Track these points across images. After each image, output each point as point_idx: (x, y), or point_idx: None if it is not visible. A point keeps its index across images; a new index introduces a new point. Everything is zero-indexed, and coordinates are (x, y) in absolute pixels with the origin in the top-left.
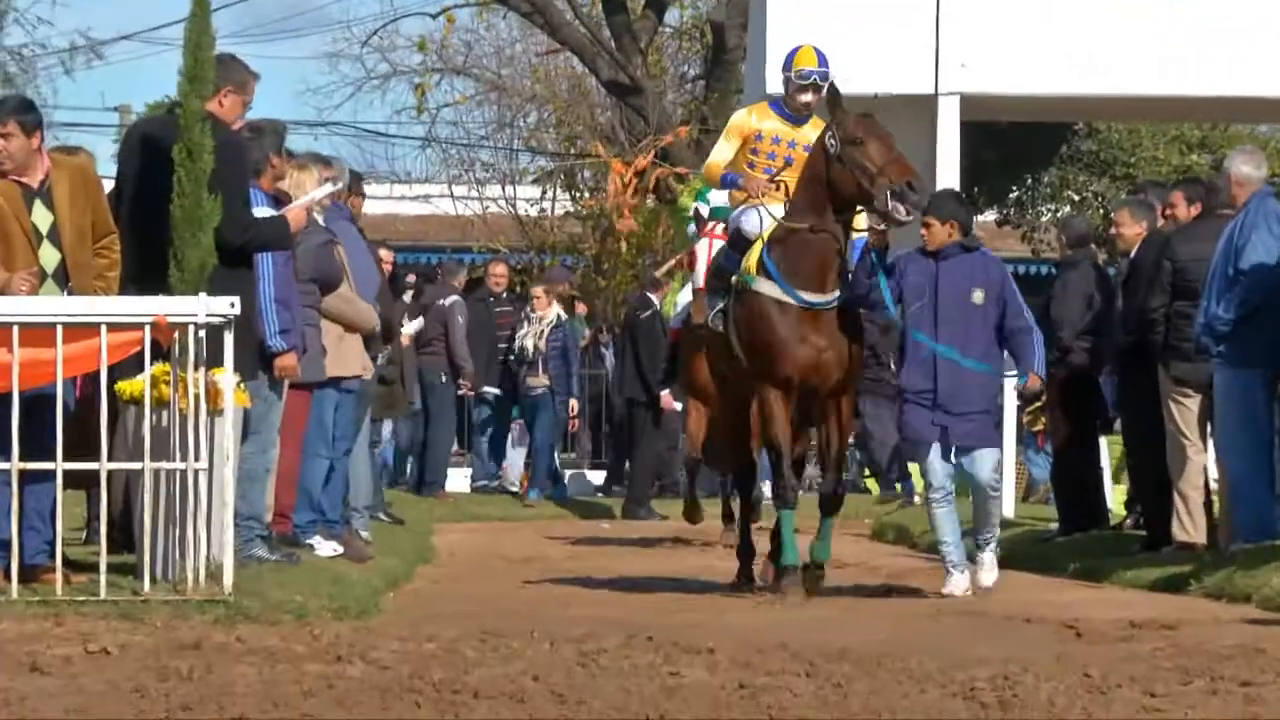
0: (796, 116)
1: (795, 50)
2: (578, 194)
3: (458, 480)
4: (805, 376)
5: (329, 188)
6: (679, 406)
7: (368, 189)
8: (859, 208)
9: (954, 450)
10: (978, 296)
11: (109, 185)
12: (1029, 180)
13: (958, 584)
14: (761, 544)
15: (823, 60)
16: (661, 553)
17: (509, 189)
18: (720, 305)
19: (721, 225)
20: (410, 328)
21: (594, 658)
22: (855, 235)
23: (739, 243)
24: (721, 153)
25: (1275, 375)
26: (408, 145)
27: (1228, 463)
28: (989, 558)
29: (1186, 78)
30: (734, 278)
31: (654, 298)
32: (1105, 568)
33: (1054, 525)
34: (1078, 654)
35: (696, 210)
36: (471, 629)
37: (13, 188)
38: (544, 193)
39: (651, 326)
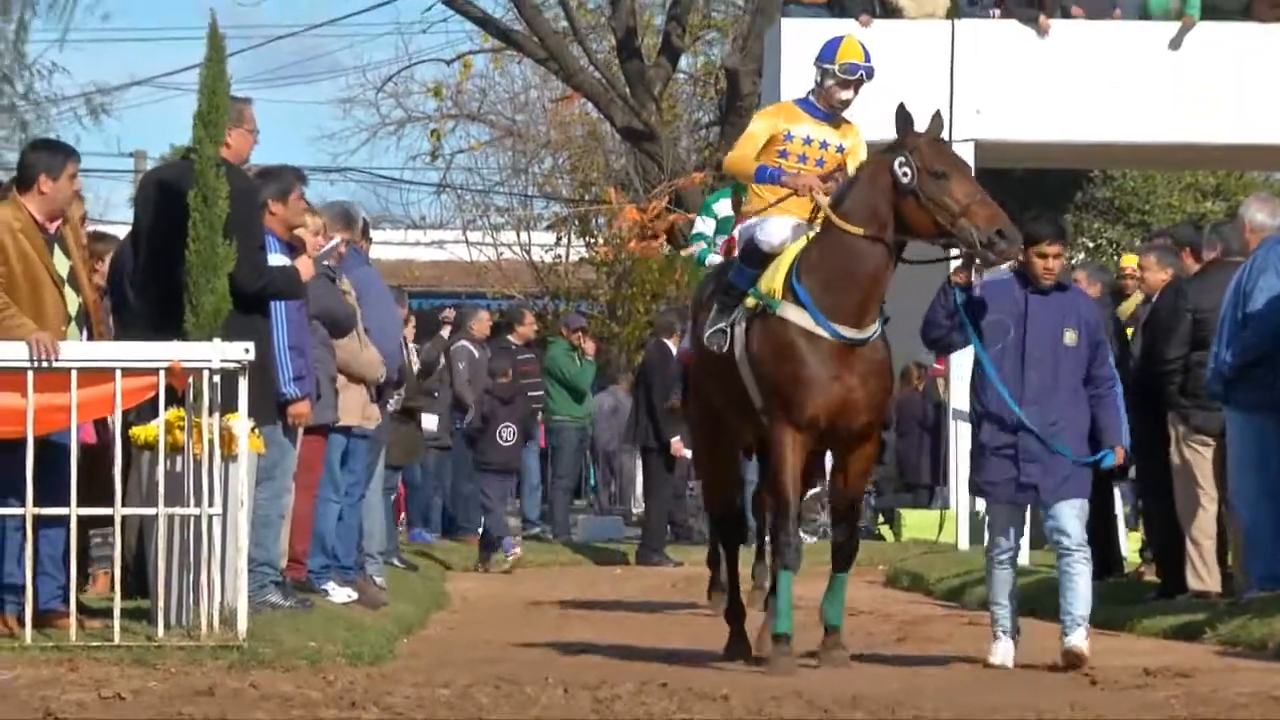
0: (830, 114)
1: (837, 41)
2: (592, 240)
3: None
4: (832, 420)
5: (330, 244)
6: (689, 454)
7: (383, 234)
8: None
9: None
10: (1070, 338)
11: (124, 231)
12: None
13: (1005, 653)
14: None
15: (868, 55)
16: (676, 597)
17: (524, 235)
18: (722, 324)
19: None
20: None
21: (609, 704)
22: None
23: (755, 256)
24: (747, 147)
25: None
26: (422, 191)
27: (1240, 510)
28: (1081, 635)
29: (1201, 125)
30: (749, 298)
31: (669, 344)
32: (1120, 616)
33: None
34: (1093, 702)
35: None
36: (486, 675)
37: (37, 233)
38: (558, 239)
39: (664, 372)
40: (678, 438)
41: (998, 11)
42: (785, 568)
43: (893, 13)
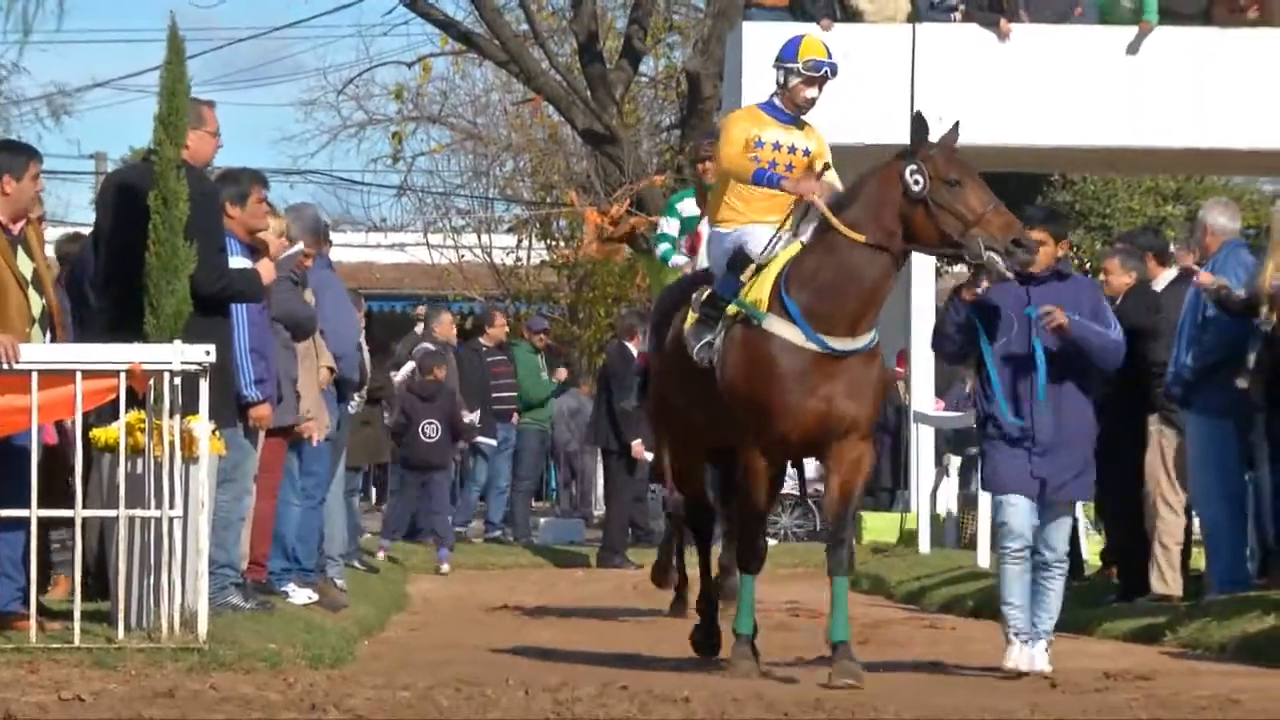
0: (794, 116)
1: (798, 40)
2: (553, 243)
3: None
4: (807, 435)
5: (292, 250)
6: (650, 456)
7: (344, 237)
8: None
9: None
10: None
11: (85, 233)
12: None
13: (1021, 657)
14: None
15: (830, 52)
16: (636, 599)
17: (485, 237)
18: (708, 338)
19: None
20: (402, 372)
21: (569, 706)
22: None
23: (741, 265)
24: (735, 148)
25: (1246, 426)
26: (384, 193)
27: (1202, 513)
28: (1042, 648)
29: (1161, 129)
30: (730, 307)
31: (630, 346)
32: (1080, 618)
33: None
34: (1054, 705)
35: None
36: (446, 677)
37: (0, 235)
38: (519, 241)
39: (626, 374)
40: (638, 440)
41: (958, 15)
42: (749, 572)
43: (853, 16)
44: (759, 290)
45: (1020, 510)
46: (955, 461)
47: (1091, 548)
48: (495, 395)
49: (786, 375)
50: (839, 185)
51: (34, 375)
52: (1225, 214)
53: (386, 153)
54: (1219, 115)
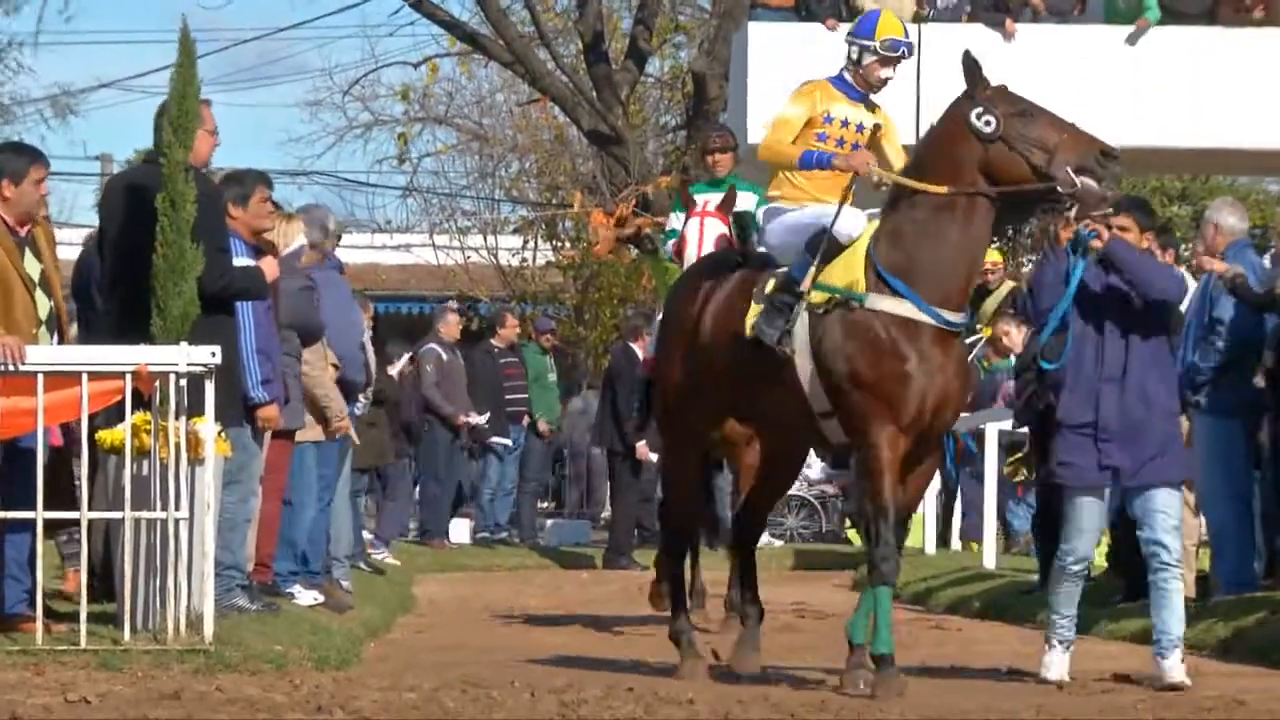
0: (864, 94)
1: (874, 16)
2: (559, 244)
3: (460, 531)
4: (935, 416)
5: (295, 245)
6: (655, 457)
7: (349, 238)
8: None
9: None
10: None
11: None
12: (1010, 230)
13: (1060, 665)
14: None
15: (906, 30)
16: (642, 602)
17: (490, 238)
18: (782, 324)
19: (713, 202)
20: (396, 367)
21: (574, 708)
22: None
23: (816, 245)
24: (783, 133)
25: (1254, 427)
26: (389, 194)
27: (1209, 514)
28: (1177, 658)
29: (1167, 129)
30: (816, 293)
31: (636, 348)
32: (1086, 619)
33: (1035, 577)
34: (1059, 706)
35: (685, 194)
36: (452, 679)
37: (7, 236)
38: (525, 242)
39: (631, 375)
40: (643, 442)
41: (967, 11)
42: (887, 583)
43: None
44: (849, 272)
45: (1089, 513)
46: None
47: (1099, 548)
48: (506, 397)
49: (911, 351)
50: (900, 159)
51: (40, 377)
52: (1234, 214)
53: (392, 154)
54: (1224, 115)
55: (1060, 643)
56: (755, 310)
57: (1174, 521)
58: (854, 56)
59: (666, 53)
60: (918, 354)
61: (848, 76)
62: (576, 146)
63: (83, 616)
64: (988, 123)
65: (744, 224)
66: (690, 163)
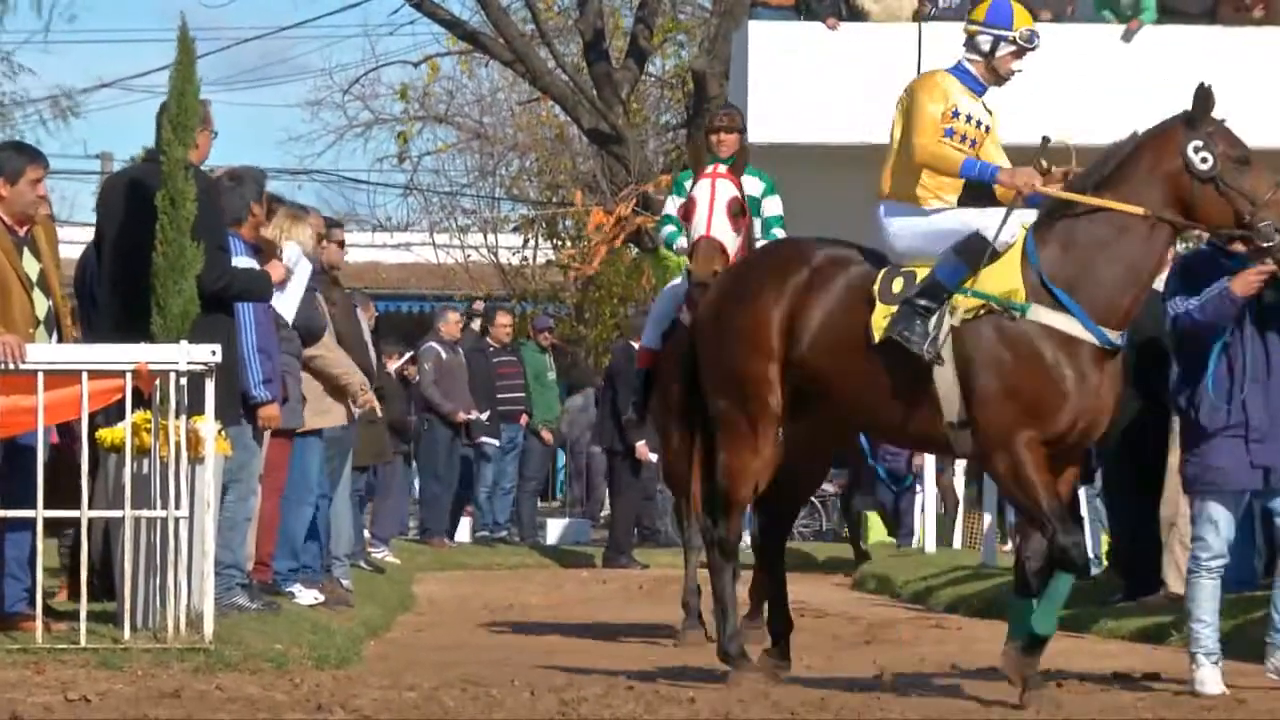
0: (987, 86)
1: (1007, 6)
2: (559, 243)
3: (460, 530)
4: (1084, 434)
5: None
6: (654, 457)
7: (349, 237)
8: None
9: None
10: None
11: (89, 233)
12: None
13: (1213, 680)
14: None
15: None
16: (643, 600)
17: (491, 237)
18: (929, 330)
19: (724, 165)
20: (395, 364)
21: (575, 706)
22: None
23: (974, 252)
24: (936, 132)
25: None
26: (390, 193)
27: None
28: None
29: None
30: (969, 299)
31: (636, 346)
32: (1086, 617)
33: None
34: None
35: (696, 158)
36: (452, 678)
37: (5, 235)
38: (525, 241)
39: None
40: (643, 441)
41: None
42: (1074, 570)
43: (859, 16)
44: (1005, 280)
45: (1229, 513)
46: (961, 461)
47: (1102, 547)
48: (502, 396)
49: (1068, 367)
50: (1001, 158)
51: (40, 375)
52: None
53: (392, 152)
54: (1225, 115)
55: (1207, 655)
56: (885, 312)
57: None
58: (986, 48)
59: (667, 51)
60: (1076, 373)
61: (972, 69)
62: (577, 145)
63: (83, 615)
64: (1204, 160)
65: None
66: (690, 161)
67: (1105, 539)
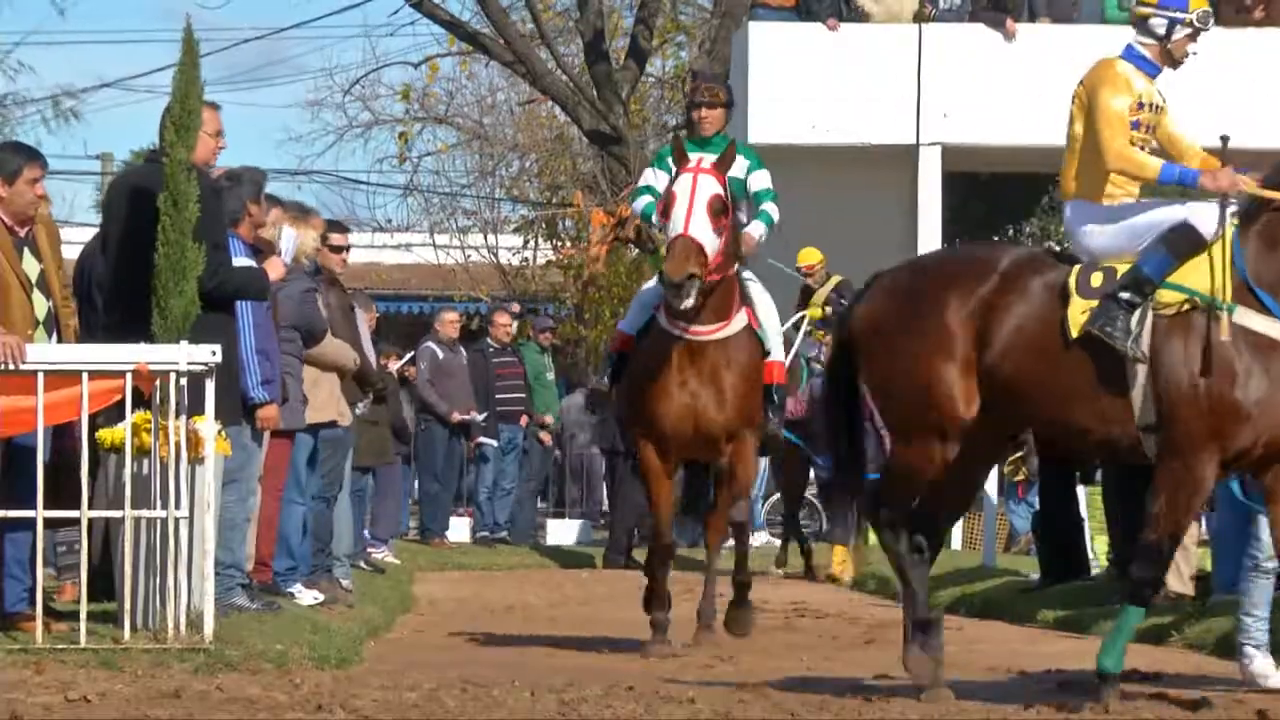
0: (1160, 69)
1: None
2: (559, 243)
3: (460, 530)
4: (1266, 449)
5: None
6: None
7: (350, 237)
8: None
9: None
10: None
11: (90, 234)
12: (1010, 231)
13: (1269, 670)
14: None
15: None
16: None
17: (491, 238)
18: (1132, 325)
19: (709, 159)
20: (394, 365)
21: (575, 707)
22: None
23: (1183, 244)
24: (1123, 130)
25: None
26: (390, 193)
27: (1210, 515)
28: None
29: None
30: (1172, 293)
31: None
32: (1087, 618)
33: (1036, 576)
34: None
35: (679, 148)
36: (452, 678)
37: (5, 236)
38: (526, 242)
39: None
40: None
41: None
42: (1140, 605)
43: (859, 16)
44: (1206, 276)
45: None
46: None
47: (1099, 547)
48: (502, 396)
49: (1269, 379)
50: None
51: (40, 376)
52: None
53: (393, 153)
54: (1224, 115)
55: (1259, 646)
56: (1083, 306)
57: None
58: (1161, 31)
59: (667, 52)
60: (1273, 380)
61: (1146, 53)
62: (577, 146)
63: (83, 615)
64: None
65: (733, 193)
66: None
67: (1103, 540)
